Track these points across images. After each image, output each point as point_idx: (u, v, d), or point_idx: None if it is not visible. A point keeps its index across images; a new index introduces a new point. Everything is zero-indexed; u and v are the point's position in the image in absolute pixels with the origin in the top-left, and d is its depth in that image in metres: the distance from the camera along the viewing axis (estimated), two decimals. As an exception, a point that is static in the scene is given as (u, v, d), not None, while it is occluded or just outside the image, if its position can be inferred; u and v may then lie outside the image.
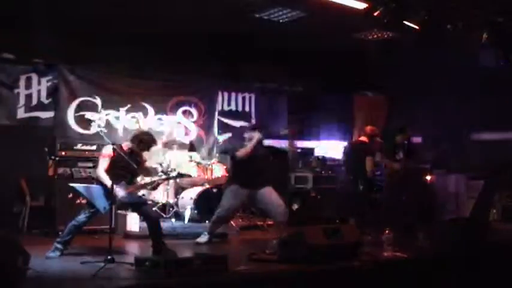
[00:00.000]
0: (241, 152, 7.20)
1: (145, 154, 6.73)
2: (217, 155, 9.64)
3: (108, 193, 5.87)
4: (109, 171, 6.12)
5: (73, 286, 4.99)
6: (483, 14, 7.96)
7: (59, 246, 6.12)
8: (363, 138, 8.29)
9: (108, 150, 6.24)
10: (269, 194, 7.23)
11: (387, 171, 8.35)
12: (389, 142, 8.55)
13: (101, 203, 5.99)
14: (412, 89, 10.93)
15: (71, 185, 6.42)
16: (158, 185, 8.28)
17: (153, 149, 9.58)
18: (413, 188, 8.53)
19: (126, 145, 6.41)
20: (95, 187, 6.10)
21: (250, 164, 7.19)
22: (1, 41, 8.09)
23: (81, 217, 6.18)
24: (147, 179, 6.84)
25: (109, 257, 5.41)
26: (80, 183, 6.51)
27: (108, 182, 6.04)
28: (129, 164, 6.16)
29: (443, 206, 9.90)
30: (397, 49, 9.82)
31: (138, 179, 6.61)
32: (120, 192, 6.07)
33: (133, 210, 6.90)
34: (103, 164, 6.20)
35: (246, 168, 7.21)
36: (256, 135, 7.23)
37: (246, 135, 7.36)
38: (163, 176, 8.06)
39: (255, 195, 7.30)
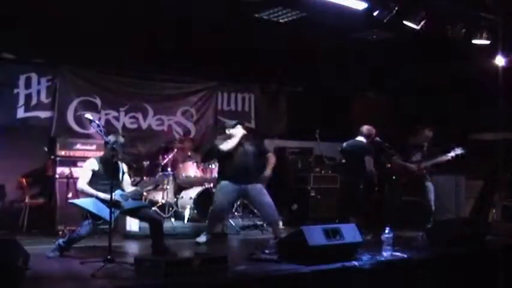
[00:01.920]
0: (225, 146, 7.25)
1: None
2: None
3: (107, 202, 5.82)
4: (101, 181, 6.09)
5: (72, 286, 4.98)
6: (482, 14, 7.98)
7: (59, 247, 6.11)
8: (360, 138, 8.27)
9: (90, 163, 6.22)
10: (259, 193, 7.26)
11: (396, 171, 8.38)
12: (407, 143, 8.58)
13: (106, 213, 5.92)
14: (412, 88, 10.96)
15: (72, 201, 6.29)
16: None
17: (153, 148, 9.74)
18: (427, 189, 8.55)
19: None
20: (95, 199, 6.05)
21: (235, 159, 7.25)
22: (1, 41, 8.09)
23: (84, 230, 6.05)
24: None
25: (108, 257, 5.40)
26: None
27: (96, 193, 6.03)
28: (119, 170, 6.16)
29: (442, 206, 9.90)
30: (396, 49, 9.82)
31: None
32: (118, 200, 6.05)
33: (133, 216, 6.82)
34: (85, 176, 6.16)
35: (232, 164, 7.26)
36: (241, 131, 7.28)
37: (228, 131, 7.40)
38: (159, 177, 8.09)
39: (246, 193, 7.35)
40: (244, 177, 7.25)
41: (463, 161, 10.12)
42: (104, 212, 5.93)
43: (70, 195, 7.67)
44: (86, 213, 6.02)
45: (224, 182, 7.34)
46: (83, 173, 6.21)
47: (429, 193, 8.51)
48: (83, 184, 6.14)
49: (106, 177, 6.04)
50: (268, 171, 7.40)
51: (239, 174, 7.23)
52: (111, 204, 5.72)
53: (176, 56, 9.38)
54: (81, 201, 6.07)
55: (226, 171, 7.40)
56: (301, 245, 5.74)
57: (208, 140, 10.52)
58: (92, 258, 5.68)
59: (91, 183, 6.15)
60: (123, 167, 6.49)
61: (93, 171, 6.18)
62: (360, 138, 8.28)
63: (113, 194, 5.80)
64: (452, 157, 8.41)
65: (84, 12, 7.85)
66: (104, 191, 5.97)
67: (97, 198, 6.03)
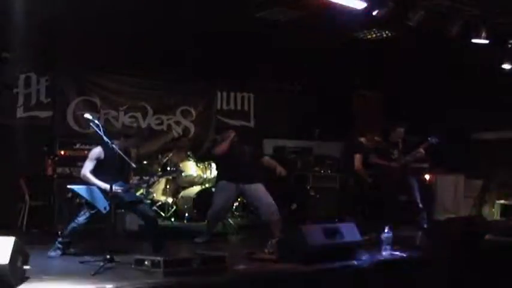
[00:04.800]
0: (216, 149, 7.41)
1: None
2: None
3: (107, 193, 5.85)
4: (105, 171, 6.10)
5: (72, 285, 4.98)
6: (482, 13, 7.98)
7: (60, 246, 6.11)
8: (362, 139, 8.27)
9: (96, 152, 6.22)
10: (259, 192, 7.29)
11: (384, 170, 8.38)
12: (385, 141, 8.59)
13: (102, 204, 5.98)
14: (411, 88, 10.95)
15: (70, 186, 6.39)
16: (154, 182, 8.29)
17: (152, 148, 9.75)
18: (412, 186, 8.55)
19: (116, 143, 6.34)
20: (94, 188, 6.09)
21: (232, 159, 7.31)
22: (0, 41, 8.08)
23: (81, 218, 6.15)
24: (145, 177, 6.84)
25: (108, 257, 5.40)
26: (79, 183, 6.49)
27: (98, 182, 6.05)
28: (124, 162, 6.16)
29: (442, 205, 9.91)
30: (396, 48, 9.83)
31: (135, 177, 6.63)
32: (118, 190, 6.07)
33: (130, 210, 6.85)
34: (89, 165, 6.17)
35: (229, 164, 7.34)
36: (232, 134, 7.37)
37: (218, 137, 7.55)
38: (160, 173, 8.07)
39: (245, 192, 7.37)
40: (242, 176, 7.28)
41: (462, 160, 10.17)
42: (100, 202, 5.96)
43: (70, 194, 7.67)
44: (84, 202, 6.11)
45: (222, 182, 7.39)
46: (88, 162, 6.22)
47: (414, 191, 8.51)
48: (85, 172, 6.16)
49: (111, 166, 6.05)
50: (280, 170, 7.41)
51: (237, 174, 7.28)
52: (110, 196, 5.75)
53: (176, 56, 9.37)
54: (79, 188, 6.11)
55: (224, 172, 7.50)
56: (300, 244, 5.75)
57: (207, 139, 10.56)
58: (91, 258, 5.68)
59: (96, 171, 6.16)
60: (132, 153, 6.54)
61: (99, 160, 6.19)
62: (361, 139, 8.29)
63: (113, 185, 5.82)
64: (428, 147, 8.39)
65: (83, 12, 7.84)
66: (105, 181, 5.96)
67: (97, 187, 6.05)
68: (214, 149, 7.57)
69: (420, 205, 8.44)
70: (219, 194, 7.43)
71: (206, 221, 7.65)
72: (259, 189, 7.31)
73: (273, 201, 7.29)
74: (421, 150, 8.39)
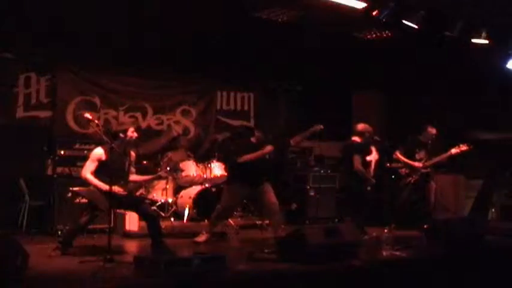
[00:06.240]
0: (243, 159, 7.19)
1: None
2: (216, 153, 9.64)
3: (108, 194, 5.85)
4: (105, 172, 6.09)
5: (72, 285, 4.98)
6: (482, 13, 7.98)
7: (60, 246, 6.12)
8: (354, 137, 8.19)
9: (97, 153, 6.20)
10: (265, 192, 7.26)
11: (405, 170, 8.44)
12: (411, 141, 8.63)
13: (103, 205, 5.97)
14: (412, 88, 10.95)
15: (72, 189, 6.39)
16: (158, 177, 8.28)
17: (152, 148, 9.75)
18: (431, 187, 8.59)
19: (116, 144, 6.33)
20: (95, 189, 6.08)
21: (251, 163, 7.20)
22: (1, 40, 8.09)
23: (83, 220, 6.15)
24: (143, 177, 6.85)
25: (108, 257, 5.41)
26: (79, 182, 6.49)
27: (98, 183, 6.04)
28: (124, 162, 6.16)
29: (442, 205, 9.90)
30: (396, 48, 9.82)
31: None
32: (119, 191, 6.07)
33: (131, 210, 6.86)
34: (91, 166, 6.15)
35: (247, 168, 7.21)
36: (269, 149, 7.28)
37: (253, 139, 7.39)
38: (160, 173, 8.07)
39: (254, 193, 7.33)
40: (256, 179, 7.23)
41: (462, 160, 10.15)
42: (101, 203, 5.96)
43: (70, 194, 7.67)
44: (86, 204, 6.11)
45: (235, 185, 7.29)
46: (89, 163, 6.19)
47: (431, 193, 8.53)
48: (86, 173, 6.14)
49: (111, 167, 6.03)
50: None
51: (252, 177, 7.20)
52: (110, 196, 5.74)
53: (176, 56, 9.37)
54: (81, 190, 6.10)
55: (240, 174, 7.31)
56: (300, 244, 5.75)
57: (207, 139, 10.56)
58: (91, 258, 5.69)
59: (97, 172, 6.15)
60: (131, 155, 6.49)
61: (100, 161, 6.17)
62: (354, 138, 8.19)
63: (114, 185, 5.82)
64: (456, 153, 8.41)
65: (84, 11, 7.85)
66: (106, 181, 5.93)
67: (98, 188, 6.04)
68: (239, 158, 7.22)
69: (431, 207, 8.48)
70: (229, 196, 7.31)
71: (207, 220, 7.64)
72: (267, 189, 7.27)
73: (276, 201, 7.27)
74: (450, 154, 8.40)
